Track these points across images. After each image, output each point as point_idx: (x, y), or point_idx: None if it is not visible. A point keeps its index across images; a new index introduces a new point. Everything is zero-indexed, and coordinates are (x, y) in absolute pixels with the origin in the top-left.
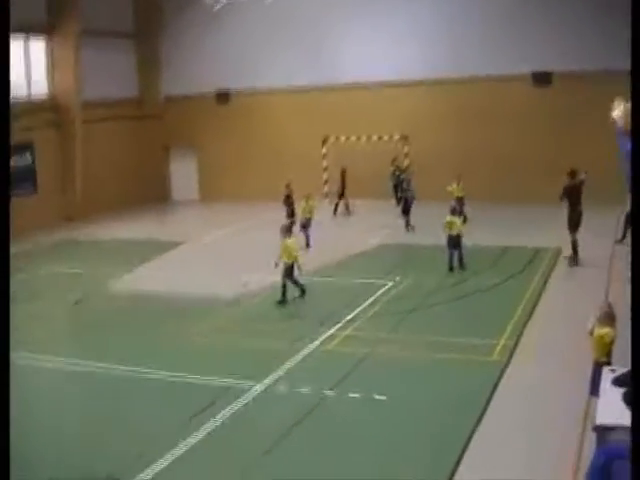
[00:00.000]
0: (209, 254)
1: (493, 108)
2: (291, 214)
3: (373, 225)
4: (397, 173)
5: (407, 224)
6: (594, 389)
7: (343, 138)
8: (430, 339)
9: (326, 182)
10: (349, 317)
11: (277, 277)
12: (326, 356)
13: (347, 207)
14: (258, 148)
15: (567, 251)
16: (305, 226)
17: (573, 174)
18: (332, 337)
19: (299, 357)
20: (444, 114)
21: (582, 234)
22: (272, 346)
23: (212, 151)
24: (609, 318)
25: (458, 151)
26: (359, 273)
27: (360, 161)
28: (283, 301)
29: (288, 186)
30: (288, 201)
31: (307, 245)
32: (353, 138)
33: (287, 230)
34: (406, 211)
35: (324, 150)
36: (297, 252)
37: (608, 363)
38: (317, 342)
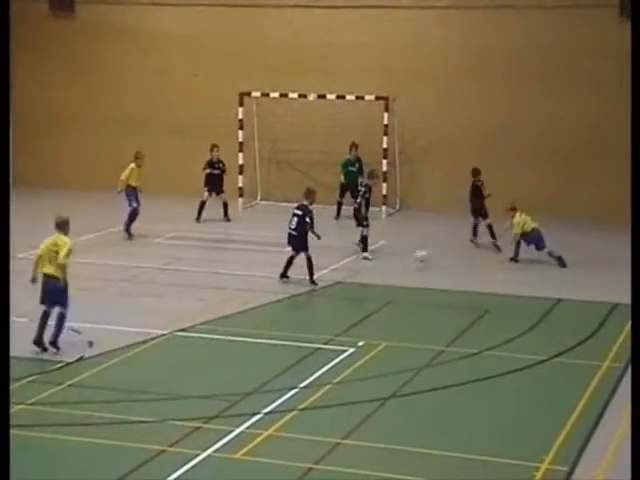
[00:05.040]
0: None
1: (552, 57)
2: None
3: (323, 248)
4: (356, 165)
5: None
6: None
7: (275, 95)
8: (415, 450)
9: (241, 170)
10: (273, 406)
11: (145, 329)
12: (231, 471)
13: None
14: (124, 100)
15: None
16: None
17: None
18: (242, 438)
19: (182, 471)
20: (459, 64)
21: None
22: (140, 446)
23: (40, 100)
24: None
25: (481, 131)
26: (295, 330)
27: (304, 137)
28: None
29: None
30: None
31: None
32: (293, 96)
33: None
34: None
35: (241, 114)
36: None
37: None
38: (216, 446)
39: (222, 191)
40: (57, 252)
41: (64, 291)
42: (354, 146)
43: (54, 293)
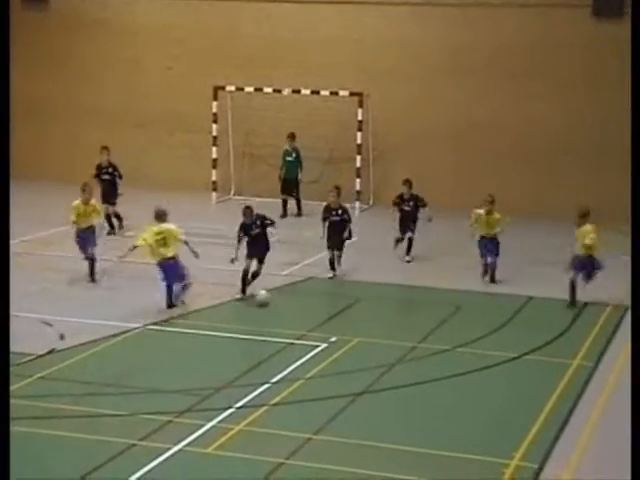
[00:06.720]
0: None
1: (523, 55)
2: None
3: (295, 244)
4: (293, 154)
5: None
6: None
7: (249, 89)
8: (386, 446)
9: (215, 164)
10: (245, 400)
11: (117, 322)
12: (202, 465)
13: None
14: (99, 92)
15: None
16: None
17: None
18: (213, 433)
19: (153, 464)
20: (434, 61)
21: None
22: (111, 440)
23: (13, 93)
24: None
25: (455, 129)
26: (267, 325)
27: (278, 131)
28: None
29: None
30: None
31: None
32: (267, 90)
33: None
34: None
35: (215, 108)
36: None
37: None
38: (187, 440)
39: (114, 202)
40: (164, 239)
41: (181, 266)
42: (291, 136)
43: (175, 270)
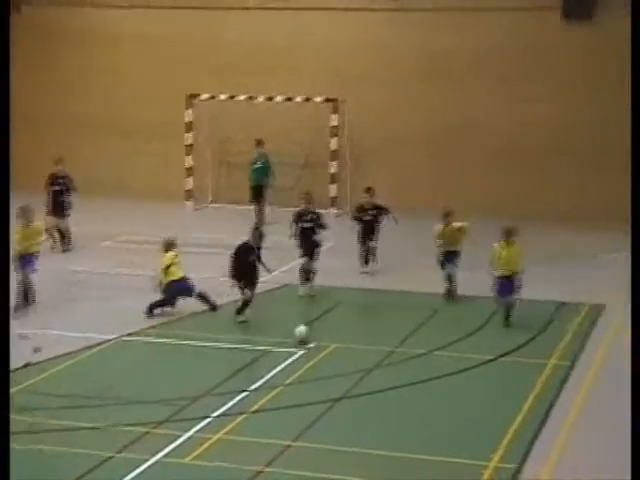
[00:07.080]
0: None
1: (497, 59)
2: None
3: (272, 250)
4: (258, 162)
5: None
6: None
7: (223, 97)
8: (366, 451)
9: (190, 172)
10: (223, 409)
11: (93, 334)
12: (180, 475)
13: None
14: (74, 101)
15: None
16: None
17: None
18: (191, 443)
19: (131, 476)
20: (409, 66)
21: None
22: (88, 452)
23: None
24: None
25: (431, 133)
26: (244, 333)
27: (254, 139)
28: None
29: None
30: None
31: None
32: (241, 98)
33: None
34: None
35: (188, 117)
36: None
37: None
38: (165, 450)
39: (63, 216)
40: (167, 266)
41: (188, 287)
42: (258, 142)
43: (181, 289)
